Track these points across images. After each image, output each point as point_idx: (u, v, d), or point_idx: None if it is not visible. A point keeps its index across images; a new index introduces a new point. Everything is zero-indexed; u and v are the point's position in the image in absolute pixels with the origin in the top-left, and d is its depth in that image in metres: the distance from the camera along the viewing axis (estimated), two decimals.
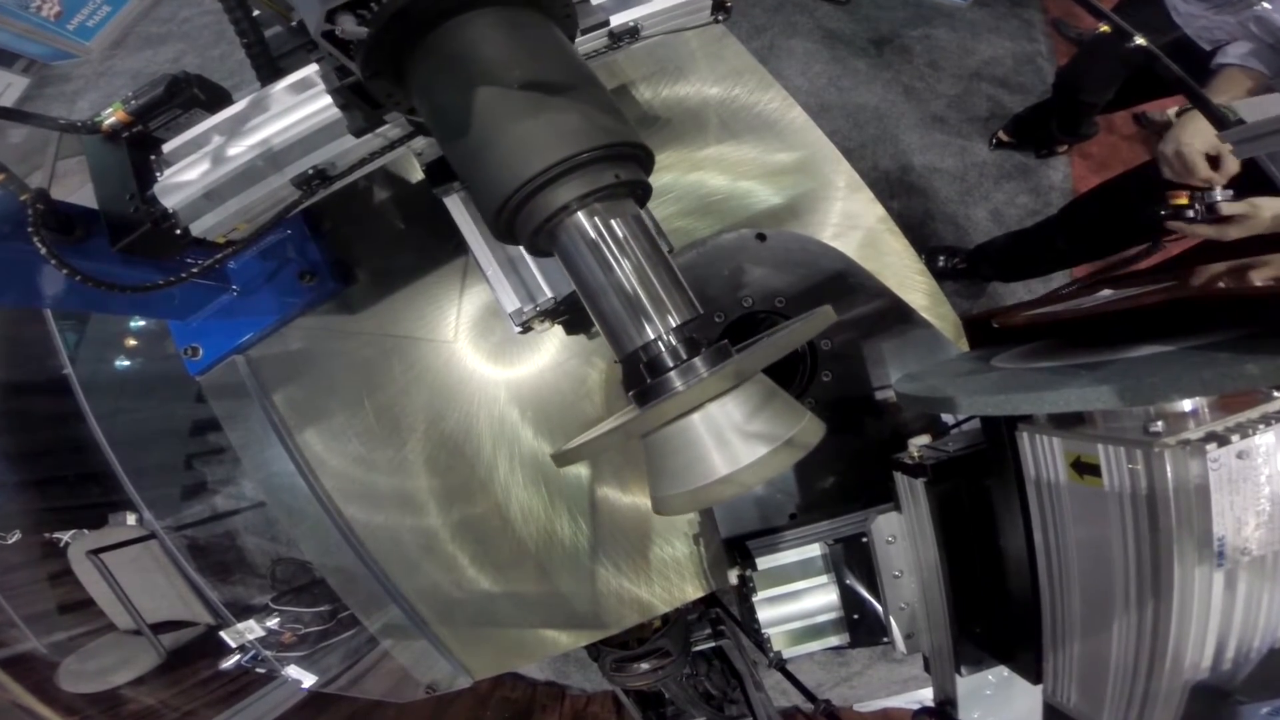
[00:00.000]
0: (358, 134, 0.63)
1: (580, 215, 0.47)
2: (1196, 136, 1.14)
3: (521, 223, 0.48)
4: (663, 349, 0.47)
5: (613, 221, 0.48)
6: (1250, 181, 1.11)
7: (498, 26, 0.48)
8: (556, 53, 0.50)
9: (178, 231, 0.73)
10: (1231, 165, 1.13)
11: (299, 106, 0.70)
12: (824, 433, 0.49)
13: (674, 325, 0.47)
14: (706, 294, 0.95)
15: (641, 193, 0.52)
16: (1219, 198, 1.09)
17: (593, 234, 0.47)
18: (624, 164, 0.48)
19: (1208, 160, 1.15)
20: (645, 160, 0.51)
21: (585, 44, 0.77)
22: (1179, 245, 1.33)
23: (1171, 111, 2.36)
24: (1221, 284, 0.79)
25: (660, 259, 0.49)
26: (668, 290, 0.48)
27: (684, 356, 0.46)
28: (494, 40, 0.48)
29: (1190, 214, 1.11)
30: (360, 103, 0.54)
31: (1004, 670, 0.71)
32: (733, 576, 0.86)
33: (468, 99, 0.47)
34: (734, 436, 0.45)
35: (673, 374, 0.46)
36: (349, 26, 0.44)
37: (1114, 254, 1.73)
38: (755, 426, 0.45)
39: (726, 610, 1.32)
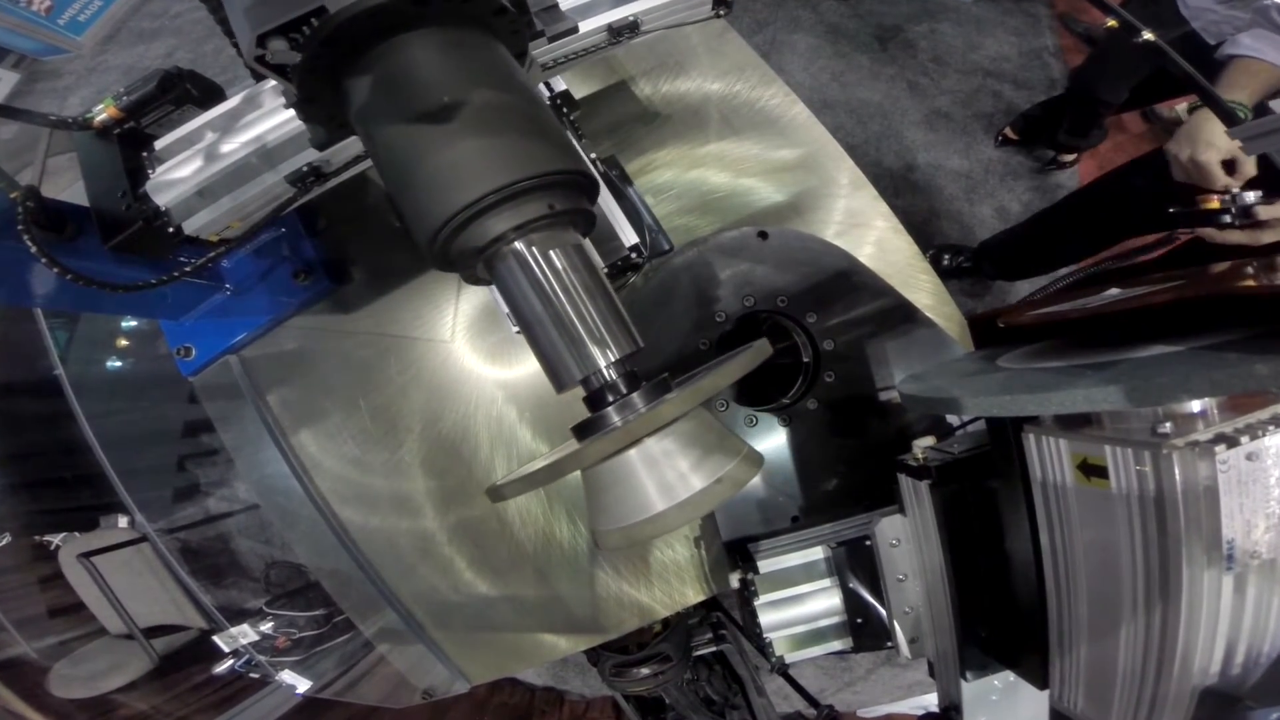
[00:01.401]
0: (320, 148, 0.63)
1: (517, 246, 0.47)
2: (1211, 139, 1.11)
3: (455, 254, 0.48)
4: (601, 384, 0.47)
5: (551, 253, 0.47)
6: (1267, 184, 1.08)
7: (432, 49, 0.47)
8: (495, 75, 0.49)
9: (170, 229, 0.73)
10: (1247, 169, 1.10)
11: None
12: (760, 467, 0.49)
13: (613, 360, 0.47)
14: (707, 293, 0.95)
15: (583, 221, 0.51)
16: (1251, 201, 1.04)
17: (530, 265, 0.47)
18: (561, 192, 0.48)
19: (1223, 165, 1.11)
20: (587, 187, 0.50)
21: (578, 42, 0.77)
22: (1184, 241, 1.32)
23: (1181, 108, 2.36)
24: (1229, 283, 0.79)
25: (601, 290, 0.49)
26: (607, 323, 0.47)
27: (623, 391, 0.47)
28: (427, 63, 0.47)
29: (1227, 219, 1.05)
30: (321, 117, 0.53)
31: (1010, 675, 0.71)
32: (734, 580, 0.85)
33: (399, 124, 0.46)
34: (670, 473, 0.45)
35: (610, 409, 0.46)
36: (280, 52, 0.43)
37: (1119, 243, 1.72)
38: (691, 462, 0.45)
39: (728, 614, 1.32)
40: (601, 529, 0.47)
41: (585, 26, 0.77)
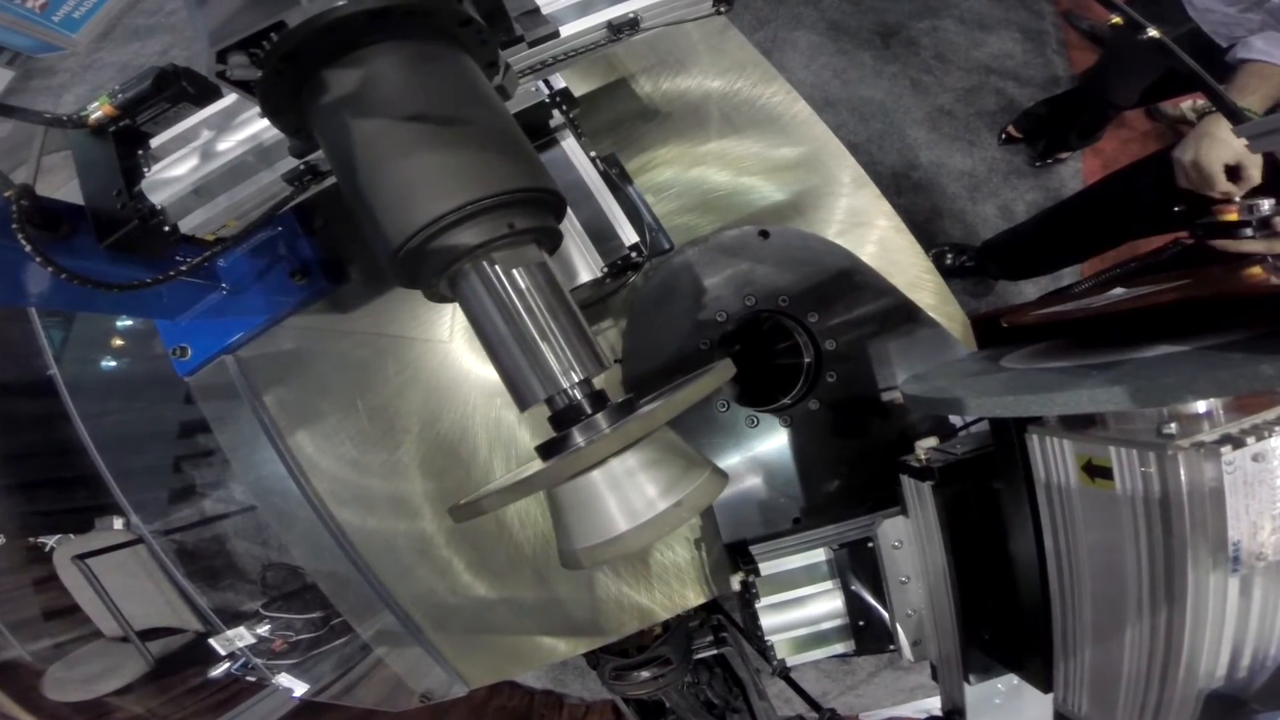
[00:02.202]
0: (299, 156, 0.63)
1: (479, 265, 0.47)
2: (1215, 147, 1.11)
3: (416, 272, 0.48)
4: (565, 404, 0.47)
5: (514, 271, 0.47)
6: (1273, 190, 1.07)
7: (392, 63, 0.47)
8: (457, 89, 0.49)
9: (166, 228, 0.73)
10: (1253, 175, 1.10)
11: None
12: (724, 488, 0.49)
13: (577, 380, 0.47)
14: (708, 293, 0.95)
15: (548, 239, 0.51)
16: (1267, 211, 1.02)
17: (492, 284, 0.47)
18: (523, 210, 0.47)
19: (1227, 171, 1.11)
20: (553, 204, 0.50)
21: (577, 40, 0.77)
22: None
23: (1186, 105, 2.36)
24: (1234, 283, 0.79)
25: (565, 310, 0.49)
26: (571, 344, 0.48)
27: (587, 411, 0.47)
28: (385, 78, 0.46)
29: (1247, 231, 1.02)
30: (289, 129, 0.53)
31: (1013, 678, 0.71)
32: (735, 582, 0.85)
33: (356, 140, 0.46)
34: (633, 494, 0.45)
35: (575, 430, 0.47)
36: (239, 70, 0.43)
37: (1123, 244, 1.72)
38: (654, 483, 0.45)
39: (729, 617, 1.32)
40: (565, 548, 0.48)
41: (585, 23, 0.77)
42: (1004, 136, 2.42)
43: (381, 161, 0.45)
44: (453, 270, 0.47)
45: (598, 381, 0.50)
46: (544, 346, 0.47)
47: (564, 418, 0.48)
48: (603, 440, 0.44)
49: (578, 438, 0.47)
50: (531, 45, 0.71)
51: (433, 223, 0.44)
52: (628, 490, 0.45)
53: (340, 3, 0.42)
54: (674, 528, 0.45)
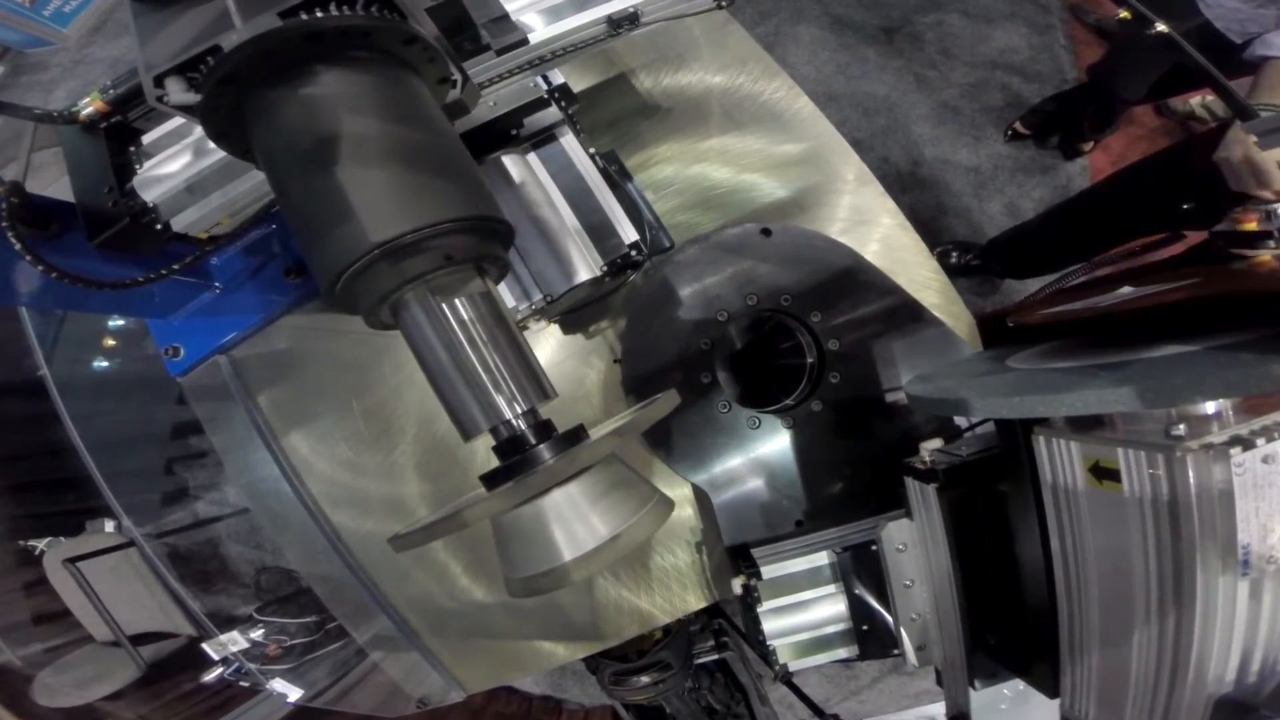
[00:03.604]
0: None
1: (418, 295, 0.47)
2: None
3: (356, 300, 0.48)
4: (509, 434, 0.47)
5: (457, 301, 0.47)
6: None
7: (329, 88, 0.46)
8: (400, 113, 0.48)
9: (158, 226, 0.73)
10: None
11: None
12: (670, 513, 0.50)
13: (520, 411, 0.47)
14: (710, 292, 0.95)
15: (493, 267, 0.51)
16: None
17: (434, 314, 0.47)
18: (462, 240, 0.47)
19: None
20: (499, 231, 0.50)
21: (575, 34, 0.77)
22: (1197, 237, 1.31)
23: (1195, 101, 2.36)
24: (1244, 281, 0.79)
25: (509, 340, 0.49)
26: (514, 374, 0.48)
27: (531, 442, 0.47)
28: (325, 102, 0.46)
29: (1270, 243, 0.98)
30: (238, 151, 0.53)
31: (1019, 684, 0.71)
32: (737, 586, 0.86)
33: (295, 165, 0.46)
34: (576, 524, 0.45)
35: (518, 460, 0.47)
36: (177, 94, 0.43)
37: (1131, 241, 1.71)
38: (598, 513, 0.46)
39: (730, 621, 1.32)
40: (508, 576, 0.48)
41: (584, 18, 0.77)
42: (1010, 133, 2.42)
43: (319, 187, 0.45)
44: (393, 299, 0.47)
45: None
46: (486, 377, 0.47)
47: (508, 448, 0.48)
48: (544, 471, 0.44)
49: (521, 468, 0.47)
50: (499, 54, 0.70)
51: (369, 252, 0.43)
52: (570, 520, 0.45)
53: (277, 24, 0.42)
54: (616, 559, 0.46)
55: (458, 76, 0.55)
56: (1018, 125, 2.40)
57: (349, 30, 0.45)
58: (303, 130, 0.46)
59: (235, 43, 0.42)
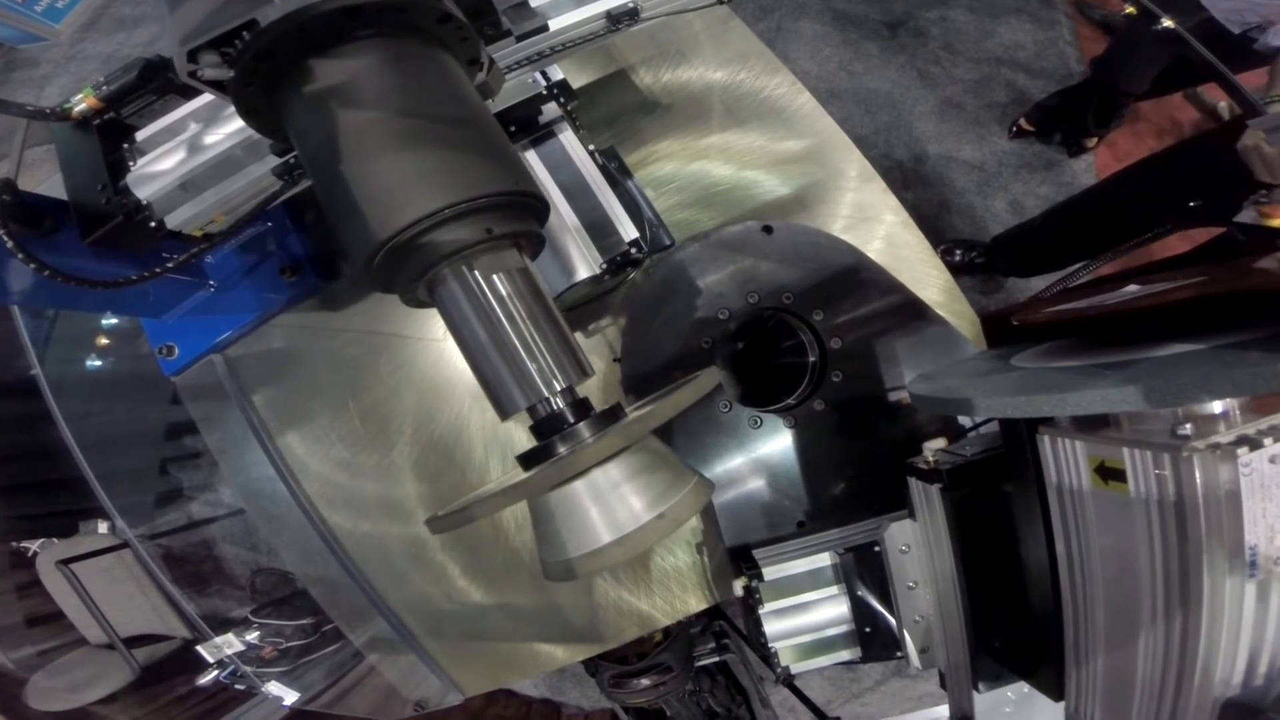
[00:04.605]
0: (279, 155, 0.63)
1: (457, 270, 0.47)
2: None
3: (392, 278, 0.48)
4: (547, 412, 0.47)
5: (494, 277, 0.47)
6: None
7: (367, 63, 0.46)
8: (435, 90, 0.49)
9: (152, 224, 0.73)
10: None
11: None
12: (709, 497, 0.49)
13: (559, 388, 0.47)
14: (710, 290, 0.95)
15: (530, 243, 0.51)
16: None
17: (471, 290, 0.47)
18: (503, 215, 0.47)
19: None
20: (535, 207, 0.50)
21: (574, 30, 0.77)
22: (1204, 234, 1.31)
23: (1223, 105, 2.36)
24: (1252, 279, 0.79)
25: (547, 317, 0.49)
26: (553, 350, 0.48)
27: (570, 420, 0.47)
28: (359, 77, 0.46)
29: None
30: (265, 130, 0.53)
31: (1024, 687, 0.71)
32: (738, 587, 0.86)
33: (330, 142, 0.46)
34: (616, 505, 0.45)
35: (556, 439, 0.47)
36: (210, 69, 0.43)
37: (1139, 238, 1.71)
38: (638, 494, 0.46)
39: (731, 623, 1.33)
40: (546, 560, 0.48)
41: (584, 13, 0.77)
42: (1014, 129, 2.42)
43: (355, 163, 0.45)
44: (430, 275, 0.47)
45: (582, 389, 0.50)
46: (525, 354, 0.47)
47: (546, 426, 0.48)
48: (586, 450, 0.44)
49: (560, 447, 0.47)
50: (519, 39, 0.71)
51: (409, 227, 0.44)
52: (611, 501, 0.45)
53: None
54: (659, 540, 0.46)
55: (485, 59, 0.56)
56: (1022, 122, 2.40)
57: (386, 6, 0.45)
58: (341, 105, 0.46)
59: (273, 17, 0.42)
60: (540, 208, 0.51)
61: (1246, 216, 1.03)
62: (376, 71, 0.47)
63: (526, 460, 0.49)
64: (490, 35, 0.64)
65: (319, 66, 0.46)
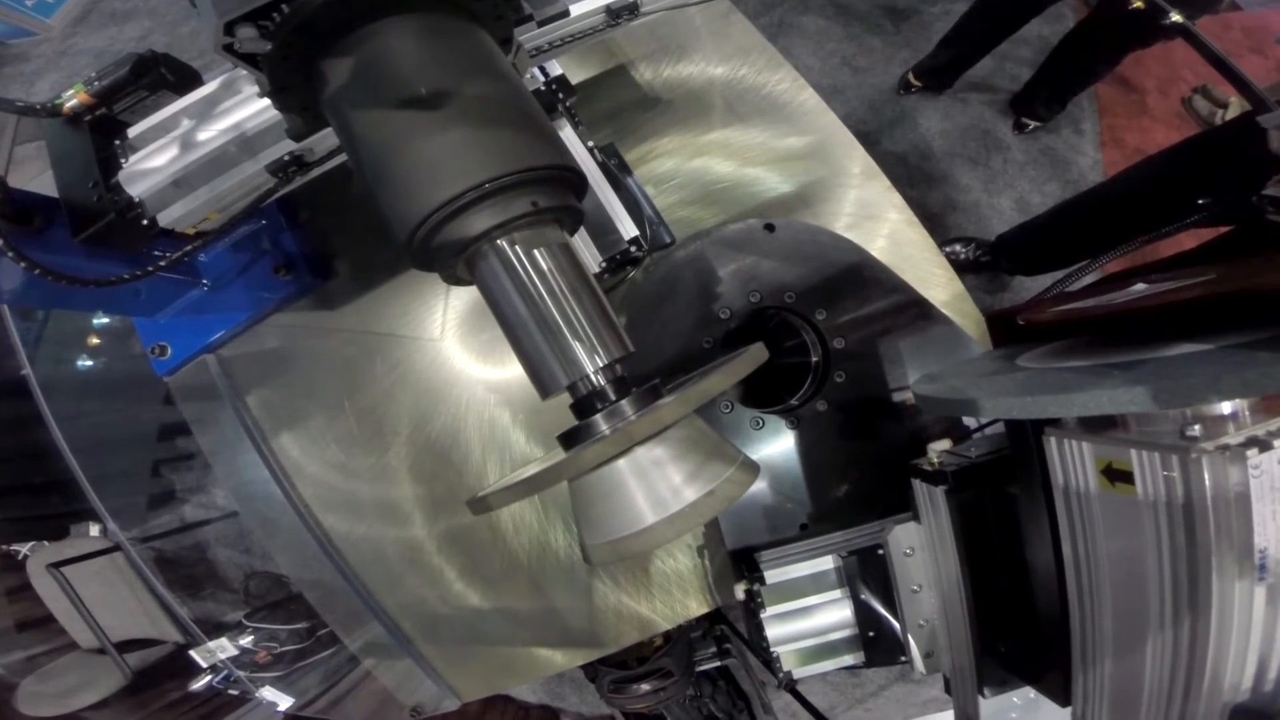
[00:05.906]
0: (296, 139, 0.63)
1: (499, 245, 0.47)
2: None
3: (434, 253, 0.48)
4: (588, 390, 0.47)
5: (536, 252, 0.47)
6: None
7: (409, 36, 0.47)
8: (476, 63, 0.49)
9: (144, 222, 0.73)
10: None
11: None
12: (757, 476, 0.49)
13: (601, 365, 0.47)
14: (711, 289, 0.95)
15: (570, 219, 0.51)
16: None
17: (513, 265, 0.47)
18: (546, 189, 0.47)
19: None
20: (574, 183, 0.50)
21: (573, 24, 0.77)
22: (1211, 231, 1.30)
23: (1235, 100, 2.36)
24: (1261, 278, 0.79)
25: (589, 292, 0.48)
26: (595, 327, 0.47)
27: (612, 398, 0.47)
28: (403, 51, 0.46)
29: None
30: (295, 107, 0.53)
31: (1030, 692, 0.71)
32: (739, 591, 0.86)
33: (373, 116, 0.46)
34: (661, 484, 0.45)
35: (599, 417, 0.46)
36: (249, 41, 0.43)
37: (1148, 235, 1.71)
38: (683, 473, 0.45)
39: (733, 627, 1.33)
40: (590, 543, 0.47)
41: (582, 8, 0.77)
42: (1018, 128, 2.43)
43: (396, 138, 0.45)
44: (471, 251, 0.47)
45: (620, 367, 0.49)
46: (567, 330, 0.47)
47: (587, 404, 0.47)
48: (629, 427, 0.44)
49: (603, 425, 0.46)
50: (541, 24, 0.71)
51: (451, 201, 0.44)
52: (655, 480, 0.45)
53: None
54: (705, 519, 0.45)
55: (515, 41, 0.56)
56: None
57: None
58: (384, 79, 0.46)
59: None
60: (579, 184, 0.51)
61: (1274, 189, 1.00)
62: (419, 44, 0.47)
63: (566, 440, 0.48)
64: (514, 19, 0.65)
65: (361, 39, 0.46)
